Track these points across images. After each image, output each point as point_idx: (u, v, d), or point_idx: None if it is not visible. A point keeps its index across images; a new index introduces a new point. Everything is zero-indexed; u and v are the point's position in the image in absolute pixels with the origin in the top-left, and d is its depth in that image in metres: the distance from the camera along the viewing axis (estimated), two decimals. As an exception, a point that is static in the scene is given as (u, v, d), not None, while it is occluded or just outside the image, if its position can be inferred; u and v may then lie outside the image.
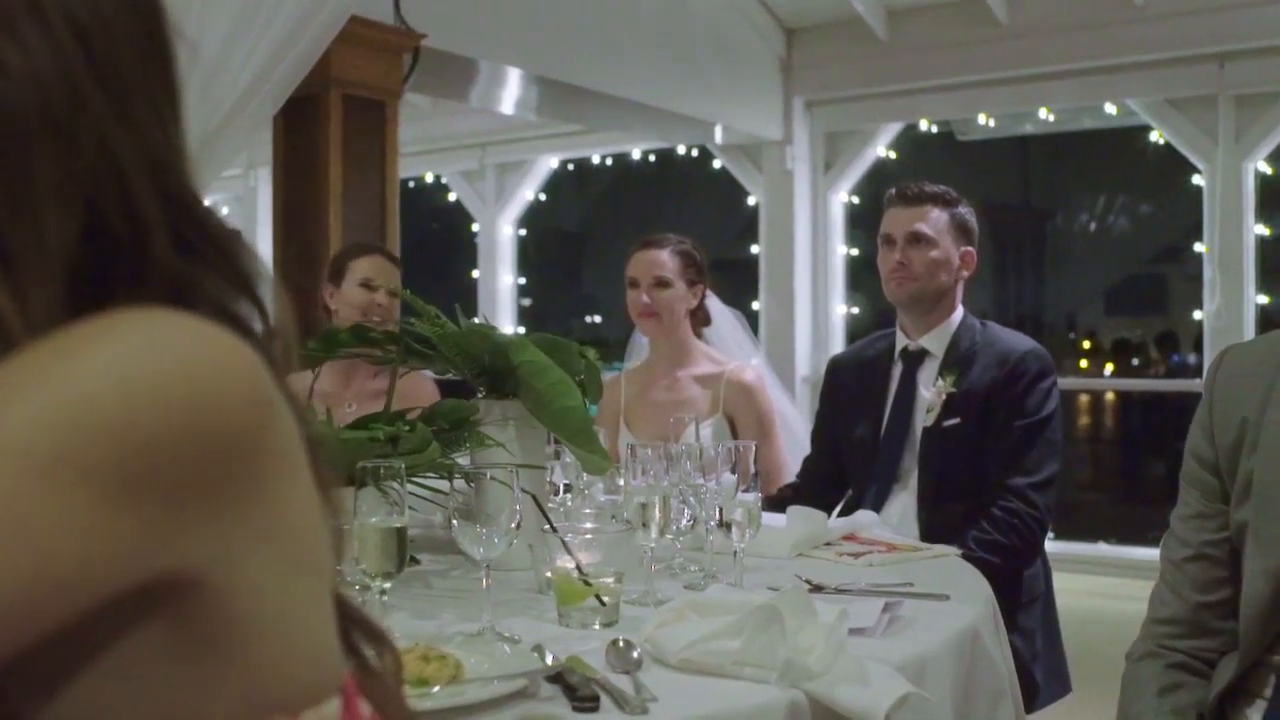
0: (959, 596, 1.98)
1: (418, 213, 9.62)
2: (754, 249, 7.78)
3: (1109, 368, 9.00)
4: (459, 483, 1.88)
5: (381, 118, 5.24)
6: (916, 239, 3.12)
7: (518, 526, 1.78)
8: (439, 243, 10.04)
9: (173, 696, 0.74)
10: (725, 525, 2.03)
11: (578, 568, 1.80)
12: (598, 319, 10.64)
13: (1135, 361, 9.08)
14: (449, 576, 2.23)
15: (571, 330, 10.48)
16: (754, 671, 1.51)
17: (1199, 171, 6.30)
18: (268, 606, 0.76)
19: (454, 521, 1.77)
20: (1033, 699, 2.96)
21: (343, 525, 0.93)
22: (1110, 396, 9.77)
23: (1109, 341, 9.29)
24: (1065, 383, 7.62)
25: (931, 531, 3.01)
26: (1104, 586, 5.96)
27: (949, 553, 2.44)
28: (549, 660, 1.57)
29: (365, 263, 3.64)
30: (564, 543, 1.81)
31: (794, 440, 3.76)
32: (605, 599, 1.80)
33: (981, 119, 7.04)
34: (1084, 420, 9.84)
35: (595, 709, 1.41)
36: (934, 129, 7.26)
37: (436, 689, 1.45)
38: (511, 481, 1.77)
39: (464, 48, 5.70)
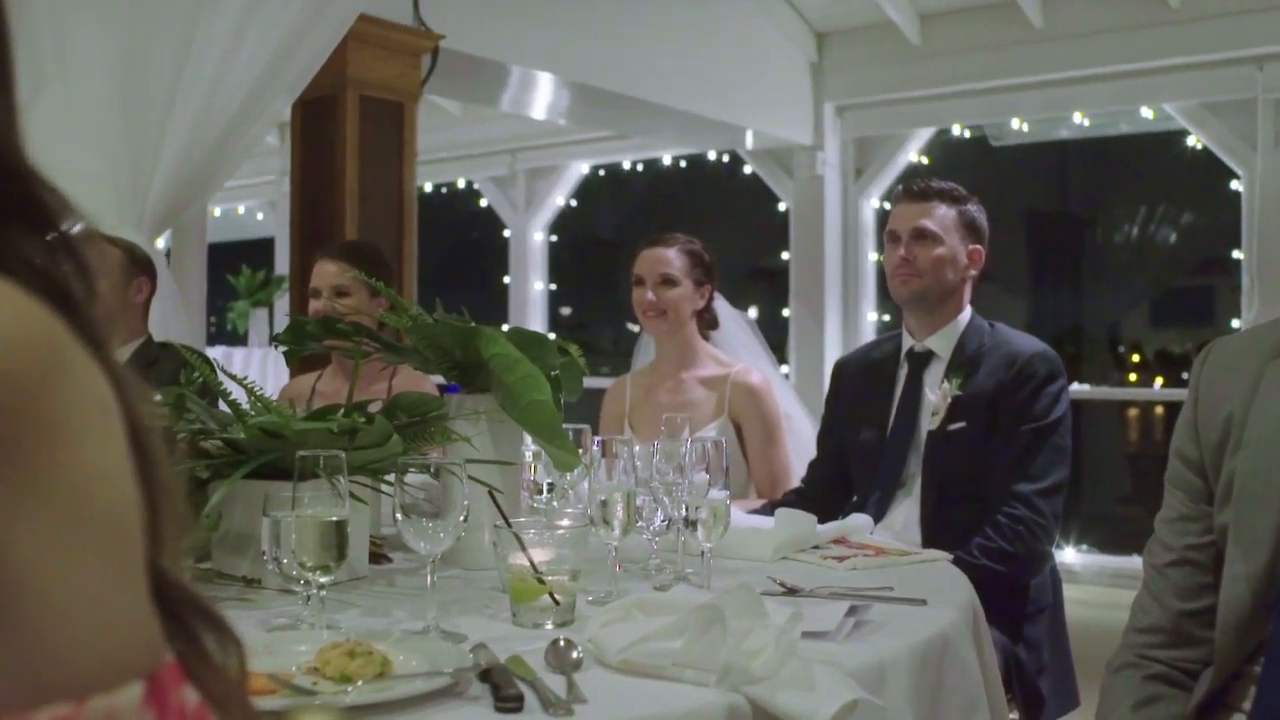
0: (936, 601, 1.89)
1: (449, 218, 9.60)
2: (785, 255, 7.70)
3: (1159, 381, 8.80)
4: (407, 477, 1.82)
5: (399, 119, 5.21)
6: (921, 235, 3.03)
7: (465, 520, 1.71)
8: (470, 249, 10.01)
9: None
10: (691, 524, 1.95)
11: (532, 565, 1.73)
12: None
13: (1185, 375, 8.86)
14: (416, 575, 2.16)
15: (617, 340, 10.41)
16: (694, 674, 1.43)
17: (1238, 177, 6.15)
18: (44, 580, 0.69)
19: (398, 516, 1.70)
20: (1038, 712, 2.86)
21: (180, 504, 0.86)
22: (1159, 410, 9.54)
23: (1153, 353, 9.10)
24: (1108, 393, 7.50)
25: (935, 538, 2.91)
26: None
27: (939, 557, 2.35)
28: (495, 659, 1.50)
29: (314, 270, 3.49)
30: (518, 539, 1.74)
31: (803, 445, 3.67)
32: (559, 598, 1.73)
33: (1015, 124, 6.92)
34: (1130, 433, 9.63)
35: (519, 709, 1.34)
36: (967, 134, 7.15)
37: (359, 684, 1.39)
38: (460, 475, 1.70)
39: (494, 52, 5.68)
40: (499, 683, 1.38)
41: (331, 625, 1.74)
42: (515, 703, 1.34)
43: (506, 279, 9.00)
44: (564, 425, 2.35)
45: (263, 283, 8.25)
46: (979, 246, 3.09)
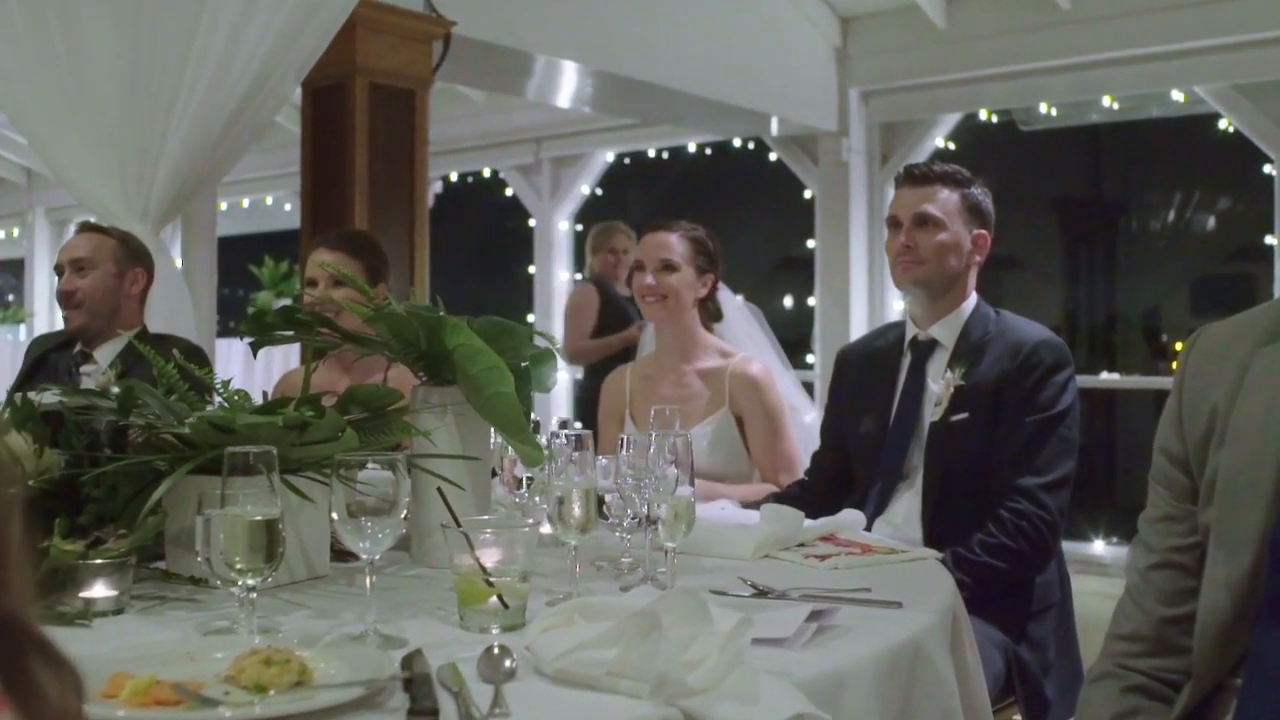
0: (912, 604, 1.79)
1: (475, 208, 9.55)
2: (811, 243, 7.59)
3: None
4: (370, 474, 1.73)
5: (411, 107, 5.14)
6: (923, 220, 2.92)
7: (406, 518, 1.63)
8: (496, 238, 9.95)
9: None
10: (653, 522, 1.86)
11: (480, 566, 1.65)
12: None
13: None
14: (382, 573, 2.08)
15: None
16: (630, 684, 1.35)
17: (1270, 161, 5.98)
18: None
19: (334, 515, 1.62)
20: (1042, 715, 2.76)
21: (17, 534, 0.79)
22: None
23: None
24: (1139, 382, 7.32)
25: (937, 532, 2.82)
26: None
27: (927, 556, 2.25)
28: (425, 667, 1.42)
29: (309, 260, 3.45)
30: (467, 538, 1.66)
31: (809, 437, 3.57)
32: (508, 601, 1.65)
33: (1043, 108, 6.77)
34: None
35: (432, 723, 1.26)
36: (995, 119, 7.00)
37: (272, 694, 1.31)
38: (402, 471, 1.63)
39: (518, 41, 5.61)
40: (417, 694, 1.31)
41: (270, 629, 1.67)
42: (428, 717, 1.26)
43: (531, 268, 8.94)
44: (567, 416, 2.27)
45: (285, 273, 8.23)
46: (984, 231, 2.98)
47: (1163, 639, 1.54)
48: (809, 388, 6.80)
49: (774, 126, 7.30)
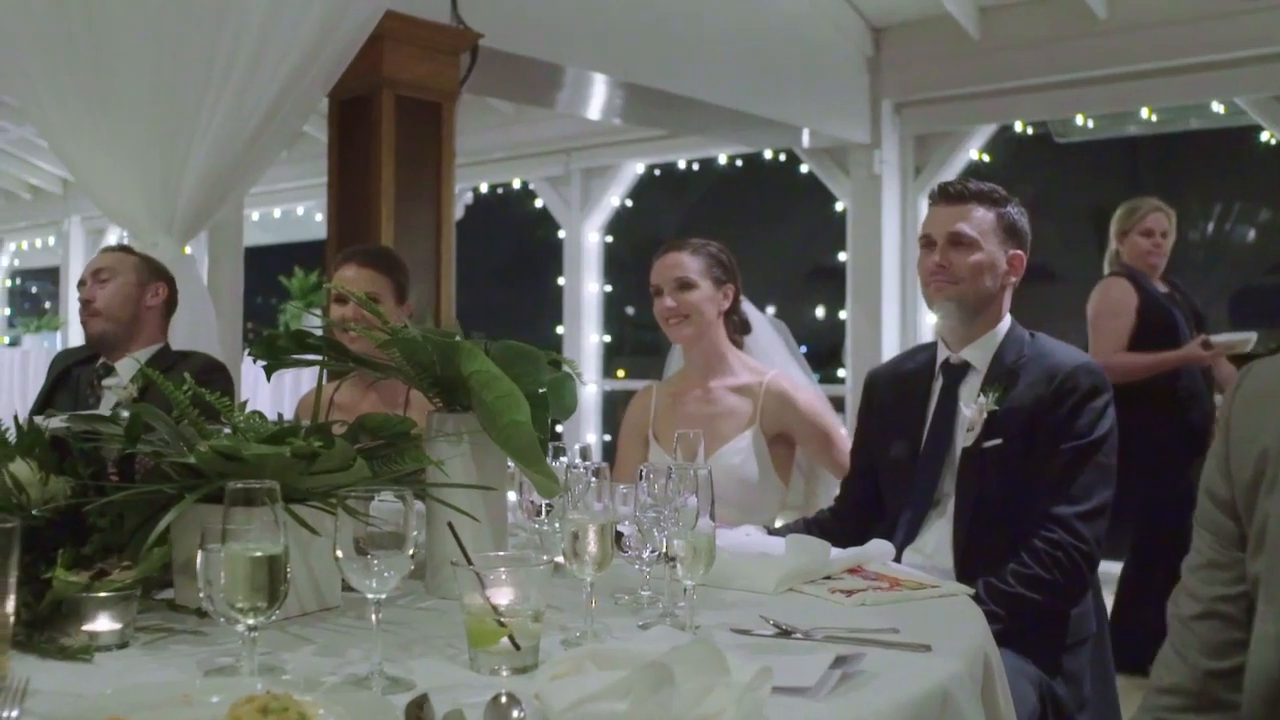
0: (941, 647, 1.72)
1: (505, 219, 9.51)
2: (842, 256, 7.51)
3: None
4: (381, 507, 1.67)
5: (437, 119, 5.10)
6: (957, 240, 2.84)
7: (412, 556, 1.57)
8: (526, 249, 9.92)
9: None
10: (670, 560, 1.79)
11: (490, 605, 1.58)
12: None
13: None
14: (394, 606, 2.02)
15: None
16: (642, 740, 1.28)
17: (1313, 174, 5.88)
18: None
19: (338, 553, 1.56)
20: (1077, 751, 2.67)
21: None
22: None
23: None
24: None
25: (968, 562, 2.73)
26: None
27: (959, 592, 2.16)
28: (430, 716, 1.36)
29: (335, 275, 3.45)
30: (478, 576, 1.59)
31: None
32: (520, 642, 1.59)
33: (1080, 120, 6.67)
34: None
35: (433, 782, 1.20)
36: (1030, 131, 6.90)
37: (267, 749, 1.25)
38: (408, 502, 1.57)
39: (548, 53, 5.58)
40: (417, 749, 1.24)
41: (274, 667, 1.61)
42: (429, 775, 1.20)
43: (561, 280, 8.90)
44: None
45: (315, 285, 8.22)
46: (1020, 251, 2.90)
47: (1207, 693, 1.46)
48: (839, 403, 6.73)
49: (805, 138, 7.23)
